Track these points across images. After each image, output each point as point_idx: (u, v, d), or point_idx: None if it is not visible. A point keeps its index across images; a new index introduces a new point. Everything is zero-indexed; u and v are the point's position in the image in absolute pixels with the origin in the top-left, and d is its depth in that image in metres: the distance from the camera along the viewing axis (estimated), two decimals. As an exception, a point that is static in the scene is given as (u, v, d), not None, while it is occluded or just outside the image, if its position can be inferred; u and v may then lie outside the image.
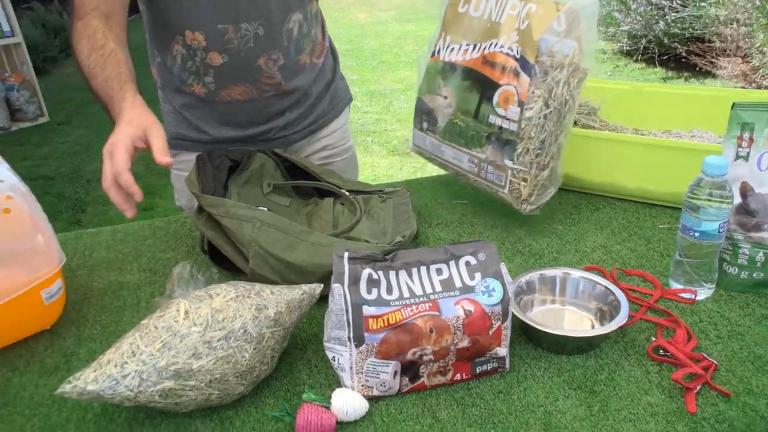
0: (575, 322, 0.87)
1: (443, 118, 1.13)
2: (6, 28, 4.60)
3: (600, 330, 0.81)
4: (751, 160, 0.87)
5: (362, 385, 0.73)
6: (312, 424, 0.67)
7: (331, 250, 0.88)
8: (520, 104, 0.98)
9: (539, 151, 1.00)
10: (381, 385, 0.73)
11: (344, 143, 1.38)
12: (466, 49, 1.08)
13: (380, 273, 0.74)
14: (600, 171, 1.21)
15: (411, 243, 1.00)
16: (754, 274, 0.90)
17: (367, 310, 0.71)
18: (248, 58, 1.13)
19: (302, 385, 0.76)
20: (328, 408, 0.69)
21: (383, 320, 0.71)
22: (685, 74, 5.46)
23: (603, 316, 0.85)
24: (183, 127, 1.23)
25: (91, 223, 3.29)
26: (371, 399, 0.73)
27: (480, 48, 1.05)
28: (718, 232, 0.85)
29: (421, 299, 0.73)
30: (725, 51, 5.15)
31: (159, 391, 0.66)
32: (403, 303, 0.73)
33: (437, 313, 0.72)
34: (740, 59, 5.04)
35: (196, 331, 0.68)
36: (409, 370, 0.73)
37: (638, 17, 5.64)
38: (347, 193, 1.12)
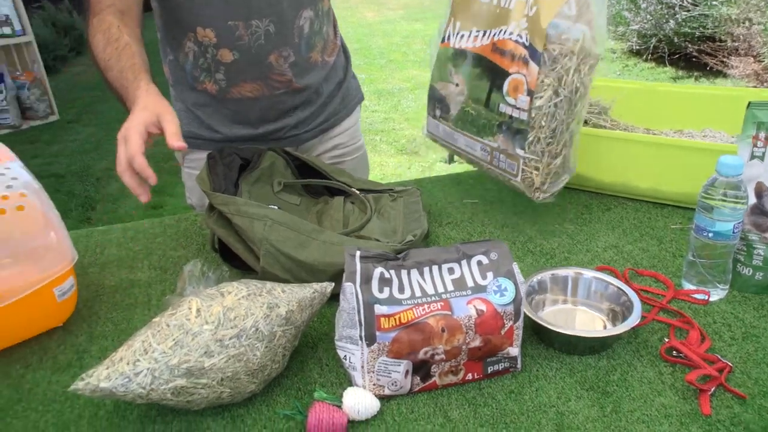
0: (587, 322, 0.87)
1: (455, 106, 1.12)
2: (17, 27, 4.63)
3: (612, 330, 0.81)
4: (767, 160, 0.86)
5: (373, 384, 0.73)
6: (324, 423, 0.67)
7: (342, 249, 0.88)
8: (530, 93, 0.96)
9: (550, 140, 0.99)
10: (392, 384, 0.73)
11: (355, 142, 1.37)
12: (476, 36, 1.06)
13: (392, 272, 0.74)
14: (611, 171, 1.20)
15: (422, 242, 1.00)
16: (769, 275, 0.90)
17: (379, 309, 0.71)
18: (259, 55, 1.13)
19: (313, 384, 0.76)
20: (339, 407, 0.69)
21: (395, 319, 0.71)
22: (696, 73, 5.43)
23: (615, 317, 0.85)
24: (195, 126, 1.23)
25: (101, 221, 3.30)
26: (382, 398, 0.73)
27: (490, 35, 1.03)
28: (733, 232, 0.84)
29: (433, 298, 0.73)
30: (737, 50, 5.12)
31: (171, 389, 0.66)
32: (415, 302, 0.72)
33: (449, 313, 0.72)
34: (752, 58, 5.00)
35: (207, 329, 0.68)
36: (421, 369, 0.73)
37: (648, 16, 5.61)
38: (357, 192, 1.12)
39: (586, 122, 1.27)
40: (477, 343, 0.73)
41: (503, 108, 1.01)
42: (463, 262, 0.77)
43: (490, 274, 0.75)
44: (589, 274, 0.89)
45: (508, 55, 1.00)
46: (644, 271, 0.98)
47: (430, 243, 1.08)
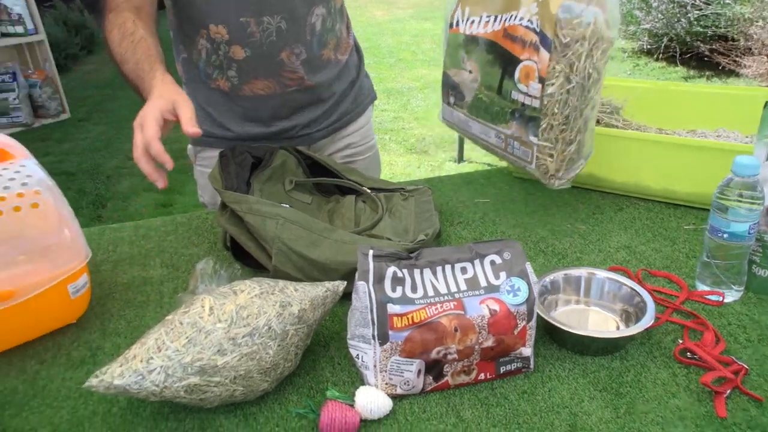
0: (600, 323, 0.86)
1: (469, 93, 1.11)
2: (30, 26, 4.66)
3: (626, 331, 0.80)
4: (783, 160, 0.86)
5: (386, 384, 0.72)
6: (336, 422, 0.67)
7: (354, 248, 0.88)
8: (541, 80, 0.94)
9: (564, 127, 0.97)
10: (405, 383, 0.72)
11: (367, 142, 1.37)
12: (487, 21, 1.04)
13: (405, 271, 0.74)
14: (624, 171, 1.20)
15: (434, 242, 1.00)
16: (785, 277, 0.89)
17: (392, 308, 0.71)
18: (270, 51, 1.13)
19: (325, 383, 0.76)
20: (352, 406, 0.69)
21: (408, 318, 0.71)
22: (707, 73, 5.39)
23: (628, 318, 0.84)
24: (207, 124, 1.23)
25: (112, 219, 3.32)
26: (395, 397, 0.73)
27: (501, 20, 1.01)
28: (748, 233, 0.84)
29: (446, 298, 0.73)
30: (750, 49, 5.07)
31: (184, 386, 0.67)
32: (428, 301, 0.72)
33: (462, 312, 0.72)
34: (766, 57, 4.96)
35: (221, 327, 0.68)
36: (433, 368, 0.72)
37: (660, 15, 5.57)
38: (369, 191, 1.12)
39: (598, 122, 1.26)
40: (490, 343, 0.73)
41: (515, 95, 1.00)
42: (476, 262, 0.76)
43: (503, 274, 0.75)
44: (602, 274, 0.88)
45: (519, 41, 0.97)
46: (657, 271, 0.97)
47: (442, 242, 1.08)
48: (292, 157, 1.13)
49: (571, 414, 0.71)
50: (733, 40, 5.19)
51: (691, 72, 5.47)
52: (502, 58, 1.01)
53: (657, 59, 5.82)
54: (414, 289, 0.74)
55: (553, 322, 0.79)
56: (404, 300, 0.72)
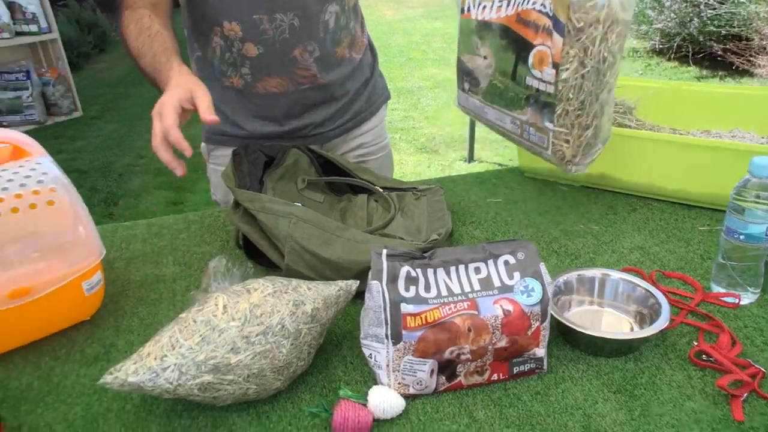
0: (613, 324, 0.86)
1: (484, 79, 1.10)
2: (44, 24, 4.70)
3: (640, 333, 0.79)
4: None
5: (398, 383, 0.72)
6: (349, 421, 0.67)
7: (367, 247, 0.88)
8: (555, 66, 0.93)
9: (579, 112, 0.96)
10: (417, 383, 0.72)
11: (380, 141, 1.37)
12: (500, 6, 1.02)
13: (418, 271, 0.74)
14: (637, 171, 1.19)
15: (446, 241, 1.00)
16: (802, 279, 0.88)
17: (405, 308, 0.71)
18: (283, 49, 1.13)
19: (338, 382, 0.76)
20: (364, 405, 0.69)
21: (421, 318, 0.71)
22: (721, 73, 5.34)
23: (642, 320, 0.84)
24: (220, 122, 1.24)
25: (123, 216, 3.34)
26: (407, 397, 0.73)
27: (514, 4, 0.99)
28: (765, 235, 0.83)
29: (460, 298, 0.73)
30: (765, 49, 5.02)
31: (198, 384, 0.67)
32: (442, 301, 0.72)
33: (475, 312, 0.71)
34: (780, 57, 4.91)
35: (234, 325, 0.68)
36: (446, 368, 0.72)
37: (672, 15, 5.53)
38: (381, 190, 1.12)
39: (611, 122, 1.25)
40: (503, 343, 0.72)
41: (529, 81, 0.98)
42: (490, 262, 0.76)
43: (517, 274, 0.75)
44: (616, 275, 0.88)
45: (532, 26, 0.96)
46: (672, 273, 0.96)
47: (454, 242, 1.07)
48: (305, 155, 1.13)
49: (584, 415, 0.70)
50: (747, 39, 5.14)
51: (704, 72, 5.43)
52: (516, 43, 1.00)
53: (669, 59, 5.78)
54: (427, 288, 0.73)
55: (567, 323, 0.79)
56: (418, 300, 0.72)
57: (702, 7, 5.26)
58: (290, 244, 0.88)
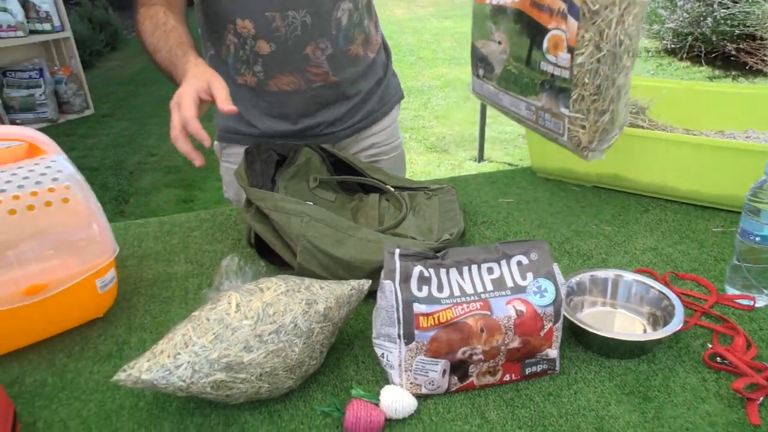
0: (626, 325, 0.85)
1: (499, 65, 1.08)
2: (57, 23, 4.73)
3: (654, 334, 0.79)
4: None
5: (410, 383, 0.72)
6: (361, 421, 0.67)
7: (379, 246, 0.88)
8: (570, 50, 0.91)
9: (595, 97, 0.94)
10: (429, 383, 0.72)
11: (393, 141, 1.37)
12: None
13: (431, 270, 0.74)
14: (650, 171, 1.18)
15: (458, 241, 0.99)
16: (818, 282, 0.87)
17: (418, 308, 0.71)
18: (295, 46, 1.13)
19: (349, 381, 0.76)
20: (377, 405, 0.69)
21: (434, 318, 0.71)
22: (734, 73, 5.30)
23: (656, 321, 0.83)
24: (233, 121, 1.24)
25: (134, 214, 3.36)
26: (419, 397, 0.73)
27: None
28: (781, 237, 0.82)
29: (472, 298, 0.72)
30: (779, 48, 4.98)
31: (211, 382, 0.67)
32: (454, 301, 0.72)
33: (488, 313, 0.71)
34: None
35: (247, 324, 0.69)
36: (459, 369, 0.72)
37: (685, 14, 5.49)
38: (392, 189, 1.12)
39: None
40: (516, 344, 0.72)
41: (544, 66, 0.97)
42: (503, 262, 0.76)
43: (530, 275, 0.74)
44: (629, 276, 0.87)
45: (546, 9, 0.94)
46: (685, 274, 0.96)
47: (466, 242, 1.07)
48: (317, 154, 1.13)
49: (597, 417, 0.70)
50: (761, 39, 5.09)
51: (717, 72, 5.39)
52: (530, 27, 0.98)
53: (681, 59, 5.74)
54: (440, 288, 0.73)
55: (580, 324, 0.78)
56: (430, 299, 0.72)
57: (715, 6, 5.21)
58: (302, 243, 0.88)
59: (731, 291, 0.90)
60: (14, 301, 0.77)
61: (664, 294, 0.83)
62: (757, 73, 5.14)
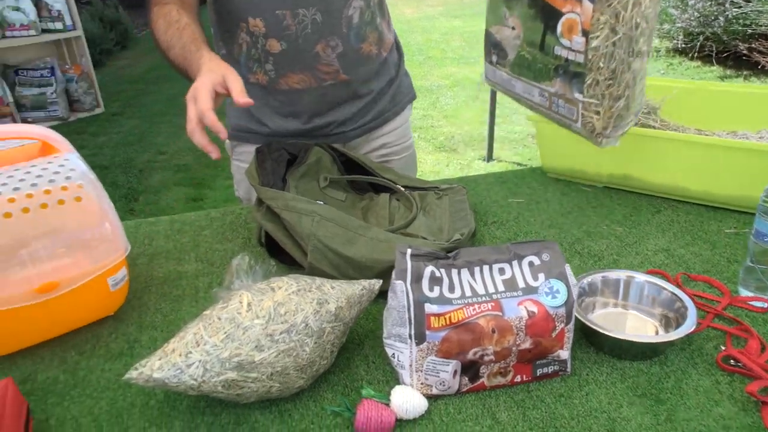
0: (638, 327, 0.84)
1: (512, 51, 1.07)
2: (68, 22, 4.76)
3: (667, 336, 0.78)
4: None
5: (421, 383, 0.72)
6: (372, 421, 0.66)
7: (389, 246, 0.88)
8: (585, 33, 0.89)
9: (610, 82, 0.92)
10: (440, 384, 0.72)
11: (404, 141, 1.36)
12: None
13: (443, 271, 0.74)
14: (661, 172, 1.17)
15: (468, 241, 0.99)
16: (832, 284, 0.86)
17: (429, 308, 0.71)
18: (306, 44, 1.13)
19: (360, 381, 0.76)
20: (387, 405, 0.69)
21: (445, 319, 0.70)
22: (745, 72, 5.26)
23: (668, 323, 0.83)
24: (244, 119, 1.25)
25: (144, 212, 3.38)
26: (430, 398, 0.73)
27: None
28: (796, 238, 0.81)
29: (484, 299, 0.72)
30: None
31: (222, 381, 0.67)
32: (466, 302, 0.72)
33: (500, 314, 0.71)
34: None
35: (258, 323, 0.69)
36: (470, 369, 0.72)
37: (696, 13, 5.45)
38: (402, 189, 1.12)
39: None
40: (527, 345, 0.72)
41: (558, 50, 0.95)
42: (515, 263, 0.75)
43: (541, 276, 0.74)
44: (641, 277, 0.87)
45: None
46: (697, 276, 0.95)
47: (476, 242, 1.07)
48: (327, 154, 1.13)
49: (609, 419, 0.70)
50: (774, 38, 5.05)
51: (728, 71, 5.35)
52: (544, 11, 0.97)
53: (692, 58, 5.70)
54: (452, 289, 0.73)
55: (591, 325, 0.78)
56: (442, 300, 0.72)
57: (727, 5, 5.17)
58: (313, 243, 0.88)
59: (744, 293, 0.89)
60: (27, 299, 0.77)
61: (676, 295, 0.83)
62: (769, 72, 5.10)
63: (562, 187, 1.27)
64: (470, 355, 0.71)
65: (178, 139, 4.41)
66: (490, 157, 3.94)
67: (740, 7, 5.11)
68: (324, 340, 0.72)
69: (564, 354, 0.74)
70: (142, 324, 0.89)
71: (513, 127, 4.44)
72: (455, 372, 0.71)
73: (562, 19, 0.93)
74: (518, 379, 0.74)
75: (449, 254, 0.76)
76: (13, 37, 4.46)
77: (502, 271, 0.75)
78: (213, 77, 0.87)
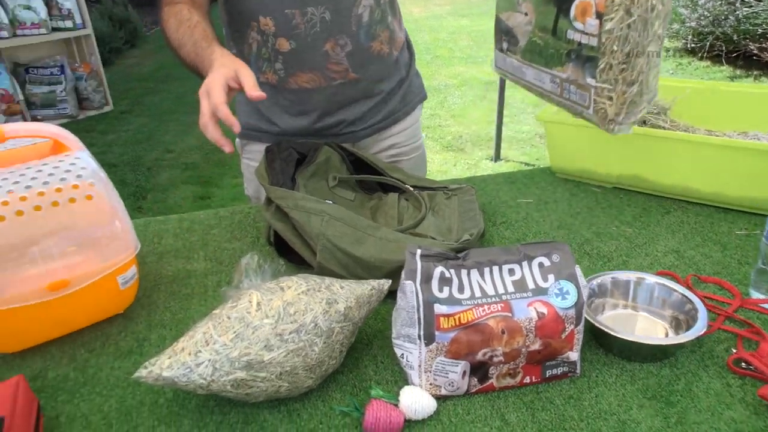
0: (648, 329, 0.84)
1: (523, 37, 1.06)
2: (78, 20, 4.79)
3: (677, 338, 0.78)
4: None
5: (430, 384, 0.72)
6: (381, 421, 0.66)
7: (398, 246, 0.88)
8: (599, 16, 0.88)
9: (624, 66, 0.90)
10: (449, 384, 0.72)
11: (414, 142, 1.36)
12: None
13: (452, 271, 0.73)
14: (671, 173, 1.16)
15: (477, 242, 0.99)
16: None
17: (439, 309, 0.71)
18: (315, 43, 1.13)
19: (369, 381, 0.76)
20: (396, 405, 0.69)
21: (454, 319, 0.70)
22: (755, 72, 5.22)
23: (678, 325, 0.82)
24: (254, 118, 1.25)
25: (152, 210, 3.39)
26: (438, 398, 0.73)
27: None
28: (808, 241, 0.81)
29: (493, 299, 0.72)
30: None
31: (231, 381, 0.67)
32: (475, 303, 0.71)
33: (509, 314, 0.71)
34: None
35: (268, 323, 0.69)
36: (479, 370, 0.72)
37: (706, 13, 5.42)
38: (411, 189, 1.12)
39: (644, 122, 1.23)
40: (537, 346, 0.71)
41: (571, 34, 0.94)
42: (524, 264, 0.75)
43: (551, 277, 0.74)
44: (651, 279, 0.86)
45: None
46: (708, 278, 0.94)
47: (485, 243, 1.07)
48: (336, 153, 1.13)
49: (619, 421, 0.69)
50: (785, 38, 5.02)
51: (738, 71, 5.31)
52: None
53: (701, 58, 5.67)
54: (461, 289, 0.73)
55: (601, 327, 0.77)
56: (451, 300, 0.72)
57: (738, 5, 5.14)
58: (322, 242, 0.88)
59: (756, 295, 0.88)
60: (37, 296, 0.78)
61: (686, 297, 0.82)
62: (780, 73, 5.06)
63: (571, 188, 1.27)
64: (479, 356, 0.71)
65: (186, 137, 4.42)
66: (497, 157, 3.93)
67: (751, 6, 5.08)
68: (333, 340, 0.72)
69: (573, 355, 0.74)
70: (152, 322, 0.90)
71: (521, 126, 4.43)
72: (464, 373, 0.71)
73: (576, 2, 0.91)
74: (527, 380, 0.74)
75: (459, 255, 0.76)
76: (24, 35, 4.48)
77: (511, 272, 0.75)
78: (225, 72, 0.88)
